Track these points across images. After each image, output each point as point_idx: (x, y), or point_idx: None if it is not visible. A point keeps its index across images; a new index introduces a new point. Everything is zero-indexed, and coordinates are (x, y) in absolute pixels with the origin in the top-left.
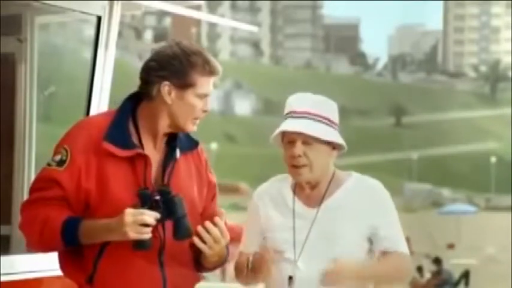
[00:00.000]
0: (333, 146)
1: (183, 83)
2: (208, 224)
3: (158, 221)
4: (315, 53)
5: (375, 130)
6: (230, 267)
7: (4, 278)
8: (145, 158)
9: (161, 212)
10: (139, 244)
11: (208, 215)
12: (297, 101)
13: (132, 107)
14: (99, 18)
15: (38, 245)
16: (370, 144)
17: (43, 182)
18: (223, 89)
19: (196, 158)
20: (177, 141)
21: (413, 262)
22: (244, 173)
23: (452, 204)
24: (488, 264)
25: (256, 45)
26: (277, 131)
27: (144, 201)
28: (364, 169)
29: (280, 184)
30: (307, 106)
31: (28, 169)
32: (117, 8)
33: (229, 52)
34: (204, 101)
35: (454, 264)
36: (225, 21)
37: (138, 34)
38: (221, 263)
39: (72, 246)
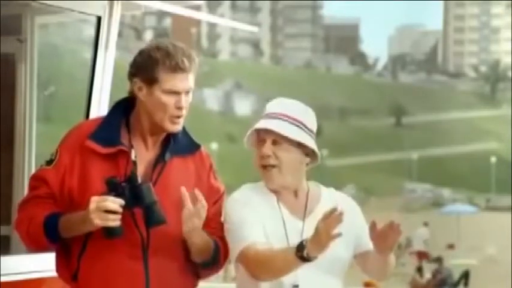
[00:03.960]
0: (305, 152)
1: (148, 79)
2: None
3: (126, 208)
4: (315, 53)
5: (375, 130)
6: (231, 268)
7: (4, 278)
8: (127, 155)
9: (126, 198)
10: (109, 232)
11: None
12: (273, 104)
13: (125, 109)
14: (99, 18)
15: (27, 243)
16: (370, 144)
17: (34, 181)
18: (223, 89)
19: (198, 161)
20: (170, 143)
21: (413, 262)
22: (245, 173)
23: (452, 204)
24: (488, 264)
25: (256, 45)
26: (250, 130)
27: (110, 188)
28: (364, 169)
29: (260, 190)
30: (282, 109)
31: (28, 169)
32: (117, 8)
33: (229, 52)
34: (177, 97)
35: (454, 264)
36: (225, 21)
37: (138, 34)
38: (212, 259)
39: (55, 242)
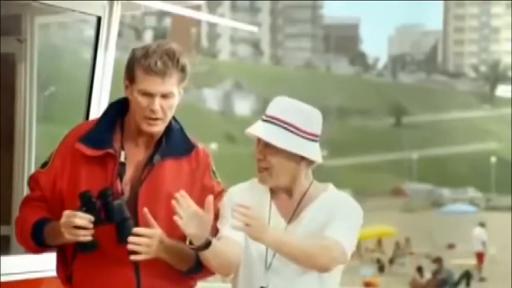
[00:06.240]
0: (301, 156)
1: (130, 77)
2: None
3: (97, 224)
4: (315, 53)
5: (375, 130)
6: None
7: (4, 278)
8: (115, 158)
9: (96, 214)
10: (81, 246)
11: None
12: (271, 105)
13: (120, 111)
14: (99, 19)
15: (21, 244)
16: (370, 144)
17: (31, 183)
18: (223, 89)
19: (193, 162)
20: (162, 145)
21: (413, 262)
22: (245, 173)
23: (452, 204)
24: (488, 264)
25: (256, 45)
26: (247, 129)
27: (82, 203)
28: (364, 169)
29: (258, 186)
30: (276, 111)
31: (28, 169)
32: (117, 8)
33: (229, 52)
34: (150, 99)
35: (454, 264)
36: (225, 21)
37: (138, 34)
38: (196, 264)
39: (42, 247)
